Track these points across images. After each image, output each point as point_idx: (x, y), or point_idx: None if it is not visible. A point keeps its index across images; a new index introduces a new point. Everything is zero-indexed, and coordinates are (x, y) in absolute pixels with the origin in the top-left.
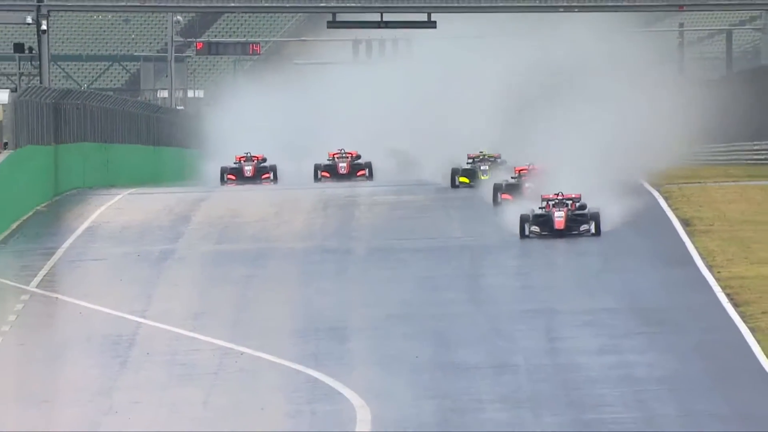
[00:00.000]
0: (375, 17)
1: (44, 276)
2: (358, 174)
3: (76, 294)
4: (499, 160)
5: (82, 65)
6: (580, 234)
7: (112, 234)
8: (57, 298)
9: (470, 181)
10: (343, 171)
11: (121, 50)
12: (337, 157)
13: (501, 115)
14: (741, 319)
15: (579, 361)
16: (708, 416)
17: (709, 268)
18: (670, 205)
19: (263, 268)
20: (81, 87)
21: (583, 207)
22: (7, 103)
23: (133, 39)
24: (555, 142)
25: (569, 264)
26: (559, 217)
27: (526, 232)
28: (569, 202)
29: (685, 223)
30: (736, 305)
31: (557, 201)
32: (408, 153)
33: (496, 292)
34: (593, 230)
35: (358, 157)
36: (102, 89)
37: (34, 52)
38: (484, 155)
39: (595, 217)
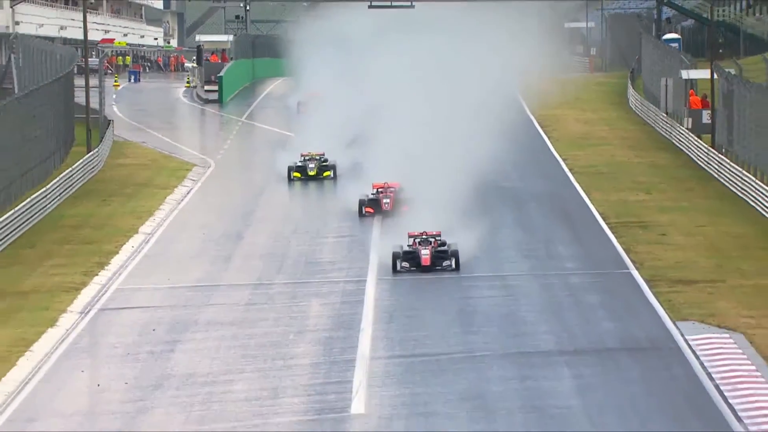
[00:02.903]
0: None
1: (247, 114)
2: None
3: (260, 121)
4: (321, 157)
5: (265, 24)
6: (443, 269)
7: (276, 96)
8: (254, 124)
9: (301, 176)
10: None
11: (281, 17)
12: None
13: None
14: (551, 143)
15: (481, 169)
16: (534, 176)
17: (541, 127)
18: (522, 96)
19: None
20: (263, 33)
21: (443, 244)
22: (231, 40)
23: (285, 9)
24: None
25: None
26: (425, 254)
27: (398, 268)
28: (432, 240)
29: (528, 107)
30: (550, 138)
31: (422, 239)
32: None
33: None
34: (454, 265)
35: None
36: (271, 35)
37: (242, 18)
38: (312, 155)
39: (455, 254)
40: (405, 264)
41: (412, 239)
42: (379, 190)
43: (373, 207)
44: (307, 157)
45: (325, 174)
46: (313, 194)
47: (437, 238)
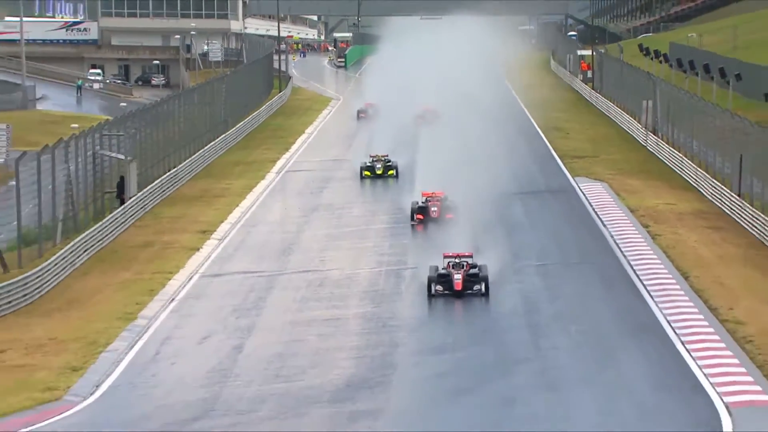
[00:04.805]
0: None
1: (359, 73)
2: None
3: (362, 75)
4: (386, 158)
5: (367, 27)
6: (473, 294)
7: (372, 66)
8: (362, 79)
9: (370, 174)
10: None
11: (374, 24)
12: None
13: None
14: (513, 89)
15: (474, 102)
16: (502, 106)
17: (508, 81)
18: (504, 73)
19: None
20: (367, 32)
21: (474, 266)
22: (351, 36)
23: (376, 20)
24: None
25: None
26: (458, 279)
27: (432, 292)
28: (464, 263)
29: (503, 71)
30: (512, 86)
31: (455, 262)
32: None
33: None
34: (483, 290)
35: None
36: (371, 33)
37: (356, 24)
38: (378, 157)
39: (485, 279)
40: (438, 287)
41: (446, 261)
42: (428, 198)
43: (422, 214)
44: (374, 158)
45: (389, 173)
46: (398, 110)
47: (468, 261)
